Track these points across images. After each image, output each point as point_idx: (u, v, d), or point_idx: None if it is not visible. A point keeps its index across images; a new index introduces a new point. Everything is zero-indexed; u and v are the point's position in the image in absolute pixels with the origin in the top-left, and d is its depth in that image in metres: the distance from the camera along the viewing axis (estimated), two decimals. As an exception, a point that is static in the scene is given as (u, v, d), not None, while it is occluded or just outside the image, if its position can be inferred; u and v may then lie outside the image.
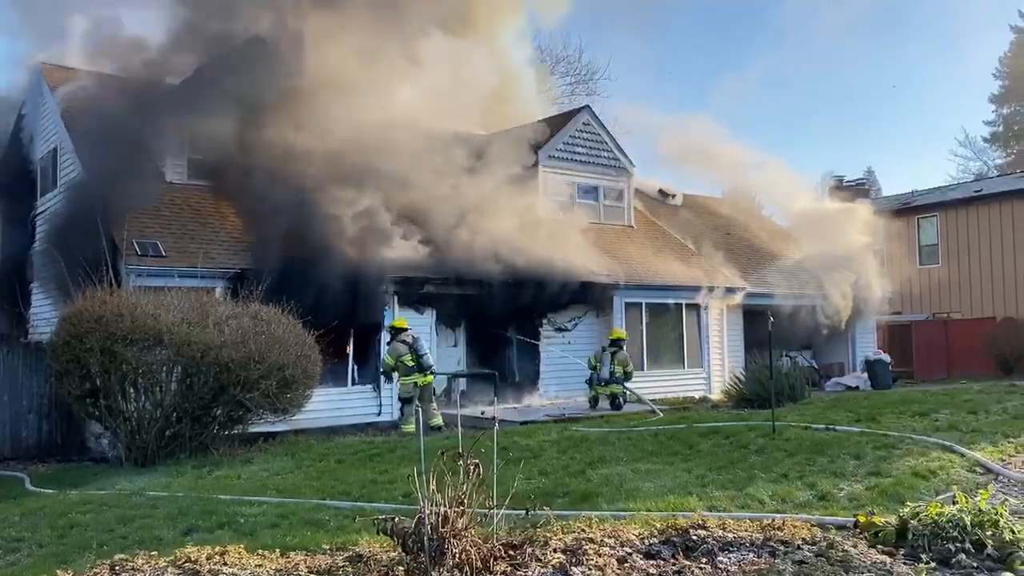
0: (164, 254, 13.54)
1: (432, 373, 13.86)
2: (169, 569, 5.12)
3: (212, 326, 10.98)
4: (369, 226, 14.72)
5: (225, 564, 5.22)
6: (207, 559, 5.26)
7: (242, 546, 5.60)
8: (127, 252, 13.07)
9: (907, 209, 30.46)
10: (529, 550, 5.19)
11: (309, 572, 5.15)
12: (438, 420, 13.59)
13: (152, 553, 5.41)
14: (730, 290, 20.28)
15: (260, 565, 5.25)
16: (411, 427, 13.04)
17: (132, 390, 10.90)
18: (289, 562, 5.35)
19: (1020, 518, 6.40)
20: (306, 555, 5.56)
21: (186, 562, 5.21)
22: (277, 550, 5.61)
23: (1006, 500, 6.29)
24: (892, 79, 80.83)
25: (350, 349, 14.93)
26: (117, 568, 5.18)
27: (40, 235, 16.17)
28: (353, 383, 15.12)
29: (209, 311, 11.31)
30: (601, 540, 5.47)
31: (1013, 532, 5.47)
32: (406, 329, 13.90)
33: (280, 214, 14.02)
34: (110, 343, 10.61)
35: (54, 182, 16.23)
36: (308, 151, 14.88)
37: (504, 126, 20.62)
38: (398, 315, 15.12)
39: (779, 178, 26.52)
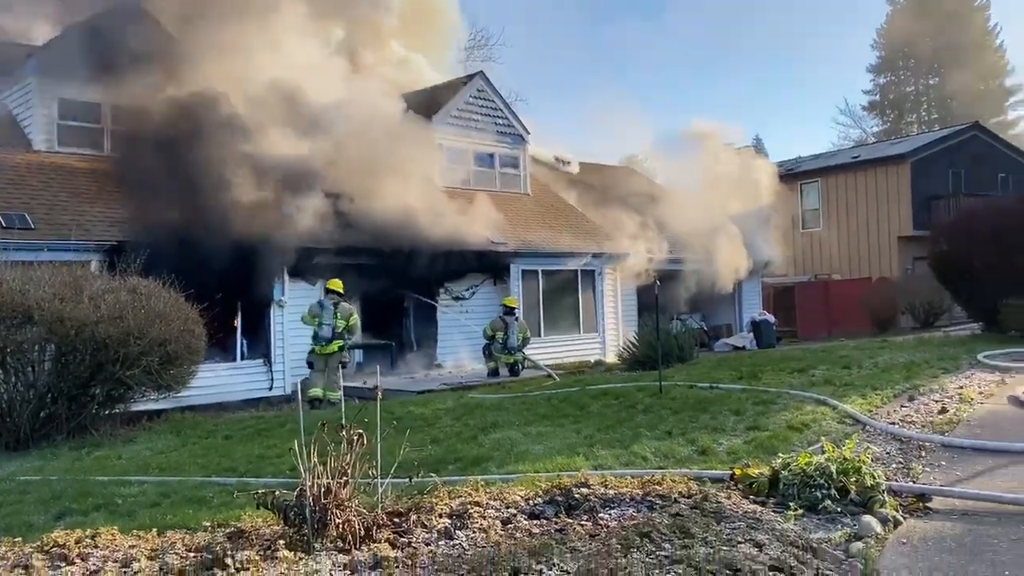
0: (32, 226, 12.78)
1: (328, 343, 13.39)
2: (35, 555, 4.86)
3: (87, 301, 10.43)
4: (256, 195, 14.23)
5: (96, 547, 4.99)
6: (76, 543, 5.01)
7: (115, 528, 5.39)
8: (-9, 225, 12.28)
9: (791, 175, 31.71)
10: (414, 517, 5.19)
11: (187, 550, 4.97)
12: (334, 394, 13.10)
13: (17, 540, 5.13)
14: (624, 256, 20.69)
15: (134, 546, 5.04)
16: (317, 391, 12.90)
17: (0, 371, 10.29)
18: (166, 541, 5.16)
19: (882, 464, 6.83)
20: (185, 533, 5.39)
21: (54, 547, 4.95)
22: (154, 530, 5.41)
23: (869, 448, 6.67)
24: (781, 48, 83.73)
25: (238, 323, 14.50)
26: (-23, 557, 4.89)
27: None
28: (242, 357, 14.71)
29: (83, 286, 10.73)
30: (487, 503, 5.51)
31: (874, 478, 5.81)
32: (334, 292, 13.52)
33: (160, 183, 13.40)
34: (-27, 322, 9.97)
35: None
36: (190, 116, 14.23)
37: (396, 92, 20.24)
38: (288, 287, 14.77)
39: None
